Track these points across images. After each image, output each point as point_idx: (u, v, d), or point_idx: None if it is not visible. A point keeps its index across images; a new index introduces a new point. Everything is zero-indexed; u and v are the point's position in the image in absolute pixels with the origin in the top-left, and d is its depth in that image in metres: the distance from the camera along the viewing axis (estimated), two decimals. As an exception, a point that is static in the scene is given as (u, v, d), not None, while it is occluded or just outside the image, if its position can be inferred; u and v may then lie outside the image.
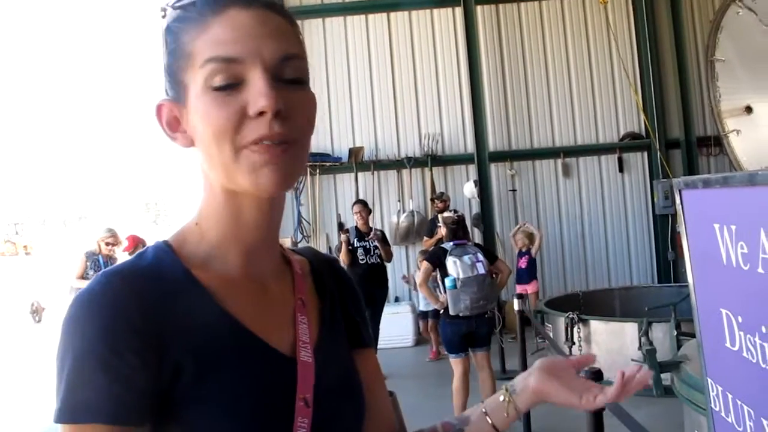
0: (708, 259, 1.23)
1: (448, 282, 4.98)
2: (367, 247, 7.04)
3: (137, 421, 0.72)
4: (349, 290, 1.02)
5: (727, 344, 1.16)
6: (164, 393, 0.74)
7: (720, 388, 1.23)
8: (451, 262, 5.03)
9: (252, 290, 0.85)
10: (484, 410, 0.93)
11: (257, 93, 0.75)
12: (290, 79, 0.78)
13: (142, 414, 0.72)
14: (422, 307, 7.87)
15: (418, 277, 5.24)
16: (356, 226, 7.27)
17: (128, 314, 0.73)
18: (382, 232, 7.45)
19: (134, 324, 0.73)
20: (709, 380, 1.26)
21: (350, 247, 7.10)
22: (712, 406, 1.25)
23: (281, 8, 0.82)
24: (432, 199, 9.09)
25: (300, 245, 9.13)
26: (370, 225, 7.36)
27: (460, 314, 4.99)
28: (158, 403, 0.73)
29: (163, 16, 0.83)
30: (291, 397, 0.80)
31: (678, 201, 1.34)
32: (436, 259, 5.16)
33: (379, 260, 7.12)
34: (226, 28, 0.77)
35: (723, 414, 1.19)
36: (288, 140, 0.77)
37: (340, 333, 0.95)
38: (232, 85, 0.76)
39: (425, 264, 5.23)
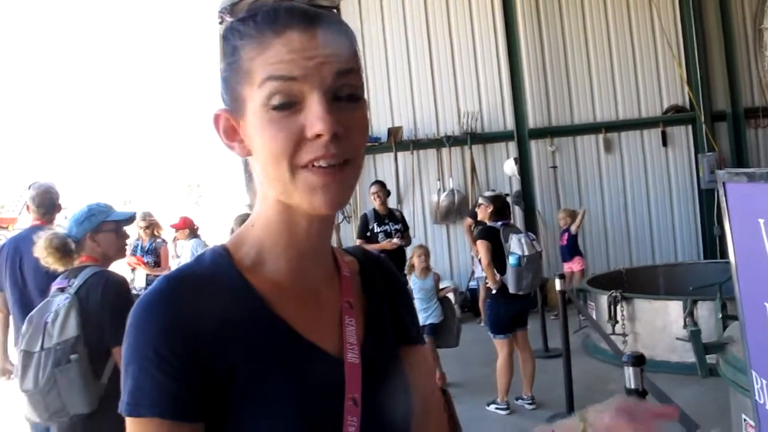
0: (752, 253, 1.23)
1: (512, 260, 4.98)
2: (389, 230, 6.64)
3: (192, 417, 0.77)
4: (396, 288, 1.04)
5: (772, 338, 1.16)
6: (219, 392, 0.78)
7: (764, 381, 1.23)
8: (516, 240, 5.04)
9: (302, 294, 0.88)
10: None
11: (314, 116, 0.77)
12: (346, 96, 0.81)
13: (196, 411, 0.77)
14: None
15: (483, 257, 5.20)
16: (374, 209, 6.86)
17: (186, 317, 0.78)
18: (401, 214, 7.06)
19: (191, 326, 0.78)
20: (754, 373, 1.27)
21: (368, 233, 6.66)
22: (757, 398, 1.26)
23: (339, 22, 0.85)
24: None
25: (341, 226, 9.22)
26: (389, 207, 6.98)
27: (521, 293, 5.02)
28: (213, 402, 0.78)
29: (220, 23, 0.85)
30: (340, 397, 0.83)
31: (722, 193, 1.33)
32: (492, 238, 5.17)
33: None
34: (285, 48, 0.78)
35: None
36: (346, 160, 0.80)
37: (388, 332, 0.98)
38: (291, 105, 0.78)
39: (485, 243, 5.18)
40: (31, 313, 2.79)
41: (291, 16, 0.80)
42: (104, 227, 3.02)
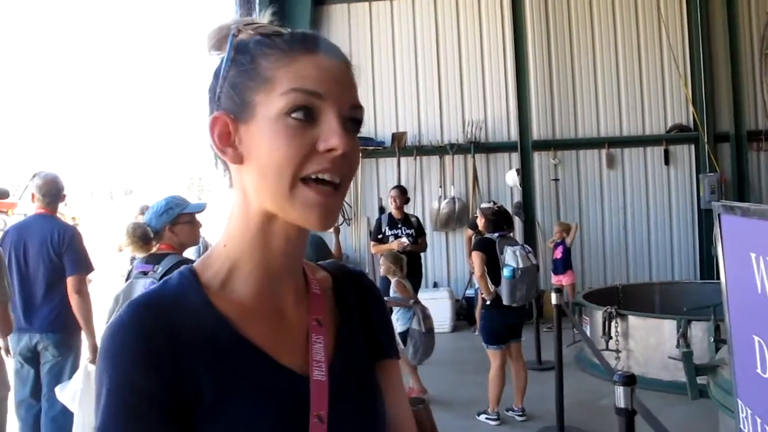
0: (743, 286, 1.27)
1: (506, 272, 5.00)
2: (399, 235, 6.73)
3: None
4: (372, 303, 1.05)
5: (758, 370, 1.20)
6: (187, 413, 0.81)
7: (749, 411, 1.27)
8: (510, 252, 5.07)
9: (269, 313, 0.90)
10: None
11: (331, 131, 0.82)
12: (352, 124, 0.86)
13: (167, 431, 0.80)
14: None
15: (476, 269, 5.23)
16: (389, 213, 7.01)
17: (153, 341, 0.80)
18: (418, 220, 7.13)
19: (159, 349, 0.80)
20: (740, 402, 1.30)
21: (380, 235, 6.82)
22: (741, 426, 1.29)
23: (351, 64, 0.90)
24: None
25: (341, 228, 9.25)
26: (405, 212, 7.07)
27: (514, 304, 5.05)
28: (182, 423, 0.81)
29: (236, 35, 0.88)
30: (306, 414, 0.85)
31: (717, 224, 1.37)
32: (487, 250, 5.20)
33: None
34: (313, 66, 0.84)
35: (751, 436, 1.23)
36: (342, 180, 0.84)
37: (359, 348, 0.99)
38: (308, 117, 0.83)
39: (479, 254, 5.21)
40: (117, 292, 3.10)
41: (320, 40, 0.87)
42: (181, 219, 3.35)
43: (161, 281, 0.90)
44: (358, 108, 0.87)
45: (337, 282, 1.02)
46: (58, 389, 3.82)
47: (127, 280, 6.95)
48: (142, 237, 3.30)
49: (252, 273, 0.89)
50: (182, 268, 0.92)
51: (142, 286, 2.92)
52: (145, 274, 3.11)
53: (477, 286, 8.33)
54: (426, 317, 5.63)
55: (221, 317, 0.86)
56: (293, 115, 0.82)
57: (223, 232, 0.92)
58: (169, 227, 3.32)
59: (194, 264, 0.92)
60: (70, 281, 4.18)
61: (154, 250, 3.32)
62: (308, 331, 0.92)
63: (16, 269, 4.17)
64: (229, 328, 0.86)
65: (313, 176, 0.82)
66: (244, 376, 0.84)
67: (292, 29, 0.88)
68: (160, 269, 3.04)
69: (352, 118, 0.86)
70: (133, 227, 3.33)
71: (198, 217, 3.50)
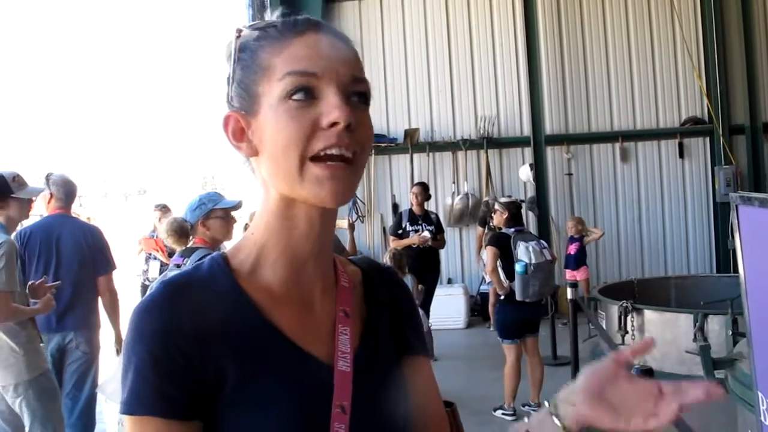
0: (762, 275, 1.26)
1: (518, 267, 4.99)
2: (419, 231, 6.86)
3: (186, 416, 0.81)
4: (400, 299, 1.06)
5: (778, 361, 1.19)
6: (210, 394, 0.82)
7: (770, 403, 1.26)
8: (523, 248, 5.05)
9: (296, 301, 0.91)
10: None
11: (332, 106, 0.82)
12: (357, 98, 0.87)
13: (190, 411, 0.81)
14: None
15: (488, 263, 5.23)
16: (410, 209, 7.13)
17: (180, 321, 0.82)
18: (437, 217, 7.23)
19: (185, 330, 0.81)
20: (760, 393, 1.30)
21: (400, 231, 6.95)
22: (762, 419, 1.29)
23: (349, 39, 0.91)
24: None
25: (355, 225, 9.26)
26: (425, 209, 7.22)
27: (528, 300, 5.03)
28: (205, 402, 0.82)
29: (238, 37, 0.90)
30: (329, 404, 0.85)
31: (734, 215, 1.36)
32: (501, 245, 5.19)
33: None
34: (305, 47, 0.85)
35: (772, 428, 1.22)
36: (352, 153, 0.84)
37: (386, 342, 0.99)
38: (308, 97, 0.83)
39: (493, 249, 5.21)
40: (152, 283, 3.22)
41: (310, 22, 0.88)
42: (213, 214, 3.47)
43: (194, 265, 0.92)
44: (361, 81, 0.87)
45: (366, 277, 1.03)
46: (99, 389, 3.97)
47: (143, 278, 7.07)
48: (178, 230, 3.57)
49: (278, 259, 0.90)
50: (214, 254, 0.94)
51: None
52: (178, 267, 3.22)
53: (489, 281, 8.36)
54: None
55: (249, 302, 0.87)
56: (293, 97, 0.83)
57: (253, 222, 0.94)
58: (202, 222, 3.45)
59: (226, 251, 0.94)
60: (102, 281, 4.33)
61: (190, 244, 3.51)
62: (335, 322, 0.93)
63: (50, 269, 4.20)
64: (256, 313, 0.87)
65: (322, 153, 0.83)
66: (270, 361, 0.85)
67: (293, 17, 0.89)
68: (189, 262, 3.14)
69: (356, 92, 0.86)
70: (171, 221, 3.61)
71: (233, 213, 3.62)
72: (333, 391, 0.86)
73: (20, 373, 3.44)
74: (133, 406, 0.80)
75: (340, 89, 0.84)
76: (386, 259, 5.89)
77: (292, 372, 0.86)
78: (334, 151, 0.83)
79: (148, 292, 0.91)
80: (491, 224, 6.39)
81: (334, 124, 0.82)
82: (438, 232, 6.97)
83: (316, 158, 0.83)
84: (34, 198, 3.94)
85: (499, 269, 5.16)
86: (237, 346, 0.84)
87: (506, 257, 5.13)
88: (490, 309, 8.31)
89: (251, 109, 0.87)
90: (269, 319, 0.87)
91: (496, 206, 5.53)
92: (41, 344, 3.68)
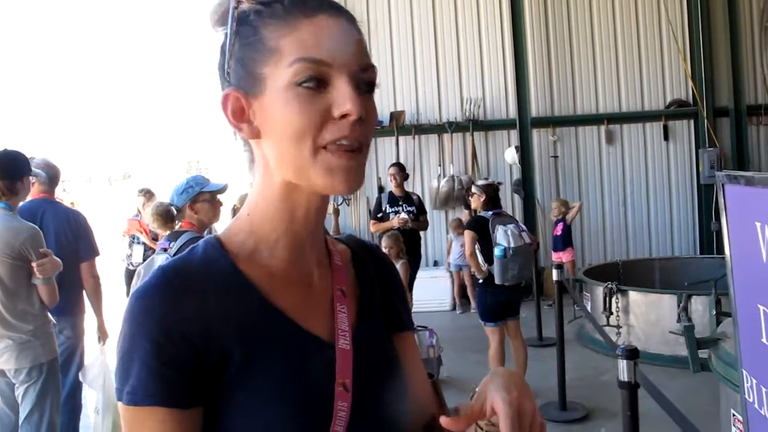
0: (748, 256, 1.26)
1: (497, 251, 4.96)
2: (400, 212, 6.70)
3: (188, 403, 0.79)
4: (388, 276, 1.06)
5: (763, 339, 1.20)
6: (213, 378, 0.81)
7: (755, 381, 1.27)
8: (501, 231, 5.01)
9: (296, 281, 0.90)
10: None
11: (344, 97, 0.80)
12: (366, 87, 0.85)
13: (193, 397, 0.80)
14: None
15: (467, 247, 5.20)
16: (390, 191, 7.00)
17: (181, 307, 0.80)
18: (419, 198, 7.10)
19: (186, 316, 0.80)
20: (744, 372, 1.30)
21: (380, 214, 6.82)
22: (746, 397, 1.30)
23: (356, 20, 0.88)
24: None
25: (340, 209, 9.24)
26: (406, 189, 7.07)
27: (507, 283, 5.01)
28: (208, 388, 0.81)
29: (236, 7, 0.85)
30: (331, 382, 0.86)
31: (721, 194, 1.36)
32: (479, 228, 5.16)
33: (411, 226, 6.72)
34: (317, 32, 0.82)
35: (756, 406, 1.23)
36: (362, 144, 0.83)
37: (380, 319, 1.00)
38: (319, 85, 0.81)
39: (470, 233, 5.18)
40: (139, 267, 3.30)
41: (321, 2, 0.84)
42: (200, 198, 3.50)
43: (188, 249, 0.90)
44: (370, 68, 0.85)
45: (355, 255, 1.03)
46: (80, 375, 3.99)
47: (127, 263, 7.00)
48: (163, 214, 3.58)
49: (278, 242, 0.89)
50: (207, 237, 0.92)
51: (162, 261, 3.09)
52: (165, 250, 3.25)
53: (461, 264, 8.37)
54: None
55: (249, 284, 0.86)
56: (304, 84, 0.81)
57: (246, 203, 0.92)
58: (190, 205, 3.49)
59: (219, 234, 0.93)
60: (85, 266, 4.27)
61: (177, 227, 3.53)
62: (332, 301, 0.93)
63: None
64: (257, 294, 0.86)
65: (332, 144, 0.82)
66: (273, 342, 0.85)
67: None
68: (175, 245, 3.14)
69: (364, 79, 0.84)
70: (157, 205, 3.62)
71: (220, 197, 3.64)
72: (335, 370, 0.87)
73: (37, 357, 3.42)
74: (138, 396, 0.78)
75: (351, 78, 0.82)
76: (384, 242, 5.83)
77: (296, 352, 0.86)
78: (345, 143, 0.82)
79: (135, 277, 0.89)
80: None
81: (346, 116, 0.80)
82: (420, 214, 6.82)
83: (326, 148, 0.82)
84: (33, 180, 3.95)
85: (478, 253, 5.13)
86: (240, 328, 0.83)
87: (485, 241, 5.09)
88: (470, 292, 8.34)
89: (253, 90, 0.84)
90: (270, 301, 0.87)
91: (473, 189, 5.46)
92: (54, 328, 3.66)
